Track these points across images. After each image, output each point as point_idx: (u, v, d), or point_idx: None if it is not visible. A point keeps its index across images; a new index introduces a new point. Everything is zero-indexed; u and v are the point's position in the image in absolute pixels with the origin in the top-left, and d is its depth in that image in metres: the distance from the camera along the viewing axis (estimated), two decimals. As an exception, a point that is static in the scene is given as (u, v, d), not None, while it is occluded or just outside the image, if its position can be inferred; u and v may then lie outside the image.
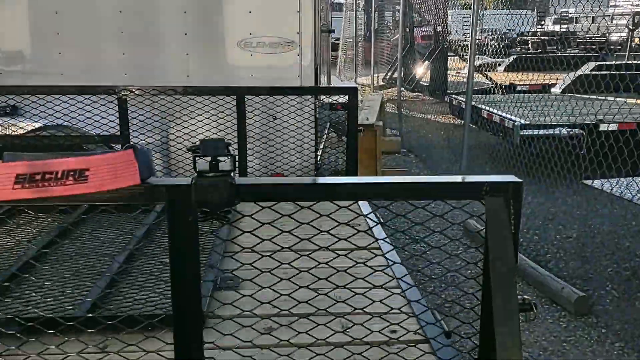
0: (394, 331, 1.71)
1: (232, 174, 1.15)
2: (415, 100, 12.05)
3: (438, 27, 11.27)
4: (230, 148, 1.20)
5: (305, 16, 4.05)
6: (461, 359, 1.71)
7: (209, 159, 1.14)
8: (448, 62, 10.95)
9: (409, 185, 1.22)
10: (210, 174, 1.13)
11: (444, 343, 1.76)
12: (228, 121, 3.49)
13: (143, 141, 3.68)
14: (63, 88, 3.38)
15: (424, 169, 8.16)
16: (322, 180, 1.39)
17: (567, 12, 14.69)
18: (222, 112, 3.51)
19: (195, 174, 1.13)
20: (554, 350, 3.44)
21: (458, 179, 1.23)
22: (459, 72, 10.71)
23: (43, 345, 1.55)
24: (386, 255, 2.20)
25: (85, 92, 3.38)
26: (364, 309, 1.63)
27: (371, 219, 2.71)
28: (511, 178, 1.21)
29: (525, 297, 1.25)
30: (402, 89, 11.23)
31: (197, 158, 1.14)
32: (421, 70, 12.11)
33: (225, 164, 1.13)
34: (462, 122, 7.39)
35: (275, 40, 4.05)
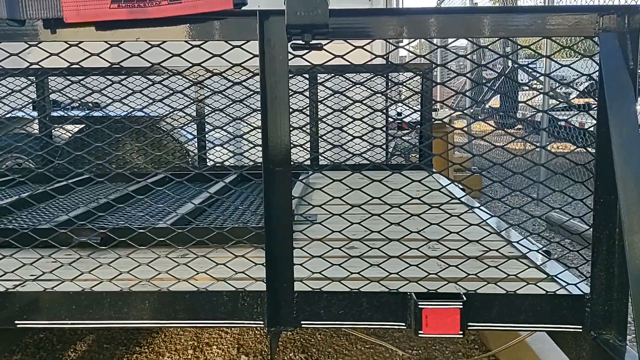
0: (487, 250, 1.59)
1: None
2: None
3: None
4: None
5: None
6: (569, 274, 1.57)
7: None
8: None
9: (512, 19, 1.14)
10: None
11: (546, 257, 1.62)
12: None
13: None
14: None
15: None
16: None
17: None
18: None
19: None
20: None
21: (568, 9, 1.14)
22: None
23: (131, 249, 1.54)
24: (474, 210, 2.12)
25: None
26: (459, 232, 1.54)
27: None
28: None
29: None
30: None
31: None
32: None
33: None
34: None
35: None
